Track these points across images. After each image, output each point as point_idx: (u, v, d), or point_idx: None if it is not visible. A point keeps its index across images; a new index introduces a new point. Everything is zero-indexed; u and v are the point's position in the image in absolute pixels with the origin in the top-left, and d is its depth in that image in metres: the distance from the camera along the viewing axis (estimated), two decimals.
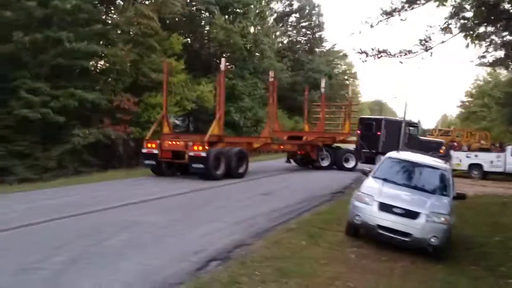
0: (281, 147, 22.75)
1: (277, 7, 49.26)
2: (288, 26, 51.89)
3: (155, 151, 16.40)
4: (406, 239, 8.32)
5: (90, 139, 20.65)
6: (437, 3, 9.84)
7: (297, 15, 51.17)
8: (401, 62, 13.71)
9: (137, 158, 21.78)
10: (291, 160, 24.08)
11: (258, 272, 6.42)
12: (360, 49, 14.45)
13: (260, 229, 8.97)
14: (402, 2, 12.91)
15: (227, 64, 23.21)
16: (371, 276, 7.04)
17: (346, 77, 67.94)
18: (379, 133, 24.46)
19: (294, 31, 52.03)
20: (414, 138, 25.28)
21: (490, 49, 23.64)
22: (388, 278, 7.05)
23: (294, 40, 51.85)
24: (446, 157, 23.78)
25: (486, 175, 24.78)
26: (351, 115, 25.60)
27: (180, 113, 28.40)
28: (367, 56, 14.62)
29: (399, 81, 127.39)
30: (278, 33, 49.14)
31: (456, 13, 12.67)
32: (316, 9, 51.67)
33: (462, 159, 25.03)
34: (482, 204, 14.93)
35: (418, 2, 12.78)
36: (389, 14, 13.51)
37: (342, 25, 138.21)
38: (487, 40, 14.03)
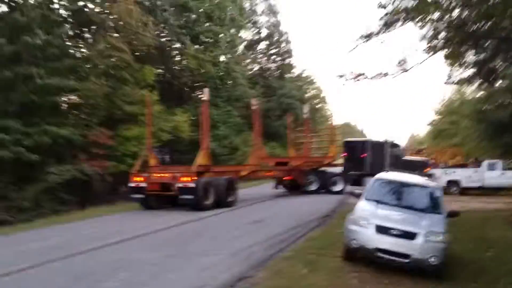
0: (269, 173, 22.76)
1: (246, 35, 49.77)
2: (258, 53, 52.35)
3: (143, 184, 16.13)
4: (406, 260, 8.21)
5: (66, 176, 20.09)
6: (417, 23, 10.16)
7: (267, 42, 51.68)
8: (378, 85, 14.08)
9: (115, 193, 21.28)
10: (279, 186, 24.01)
11: None
12: (340, 74, 14.72)
13: (258, 259, 8.71)
14: (379, 25, 13.26)
15: (199, 93, 23.24)
16: None
17: (317, 101, 68.68)
18: (364, 155, 24.73)
19: (264, 58, 52.47)
20: (399, 158, 25.70)
21: (458, 68, 24.34)
22: None
23: (265, 67, 52.26)
24: (430, 176, 24.36)
25: (464, 191, 25.20)
26: (335, 139, 25.90)
27: (156, 145, 28.06)
28: (346, 80, 14.92)
29: (368, 102, 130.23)
30: (248, 60, 49.54)
31: (435, 35, 13.04)
32: (284, 36, 52.38)
33: (440, 176, 25.39)
34: (466, 220, 15.00)
35: (395, 24, 13.14)
36: (367, 37, 13.86)
37: (309, 52, 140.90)
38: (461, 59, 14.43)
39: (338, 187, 22.49)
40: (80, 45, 25.56)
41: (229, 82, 38.78)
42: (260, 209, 16.92)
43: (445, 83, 33.10)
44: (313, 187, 22.82)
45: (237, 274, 7.64)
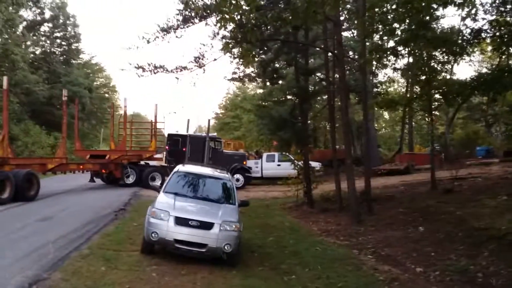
0: (81, 166, 21.59)
1: (27, 14, 44.94)
2: (41, 36, 47.85)
3: None
4: (203, 250, 8.62)
5: None
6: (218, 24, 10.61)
7: (50, 24, 47.50)
8: (177, 78, 14.31)
9: None
10: (95, 179, 23.08)
11: None
12: (137, 64, 14.53)
13: (52, 260, 8.12)
14: (178, 20, 13.47)
15: None
16: None
17: (105, 90, 66.05)
18: (184, 149, 24.81)
19: (48, 41, 48.21)
20: (219, 152, 26.58)
21: (241, 67, 26.19)
22: None
23: (48, 50, 48.04)
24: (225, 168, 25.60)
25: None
26: (157, 133, 25.48)
27: None
28: (143, 71, 14.80)
29: (159, 93, 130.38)
30: (29, 42, 44.92)
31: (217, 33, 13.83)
32: (71, 19, 48.93)
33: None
34: (252, 208, 16.35)
35: (192, 21, 13.50)
36: (165, 31, 13.93)
37: (100, 38, 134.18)
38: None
39: (157, 181, 22.11)
40: None
41: (6, 64, 34.55)
42: (53, 204, 15.56)
43: (230, 80, 35.29)
44: (130, 180, 22.17)
45: (31, 277, 7.01)
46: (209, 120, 33.91)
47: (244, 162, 27.40)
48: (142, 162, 24.15)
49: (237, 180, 26.55)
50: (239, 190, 25.35)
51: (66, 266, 7.72)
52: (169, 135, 28.10)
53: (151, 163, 24.74)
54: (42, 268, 7.52)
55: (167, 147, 26.45)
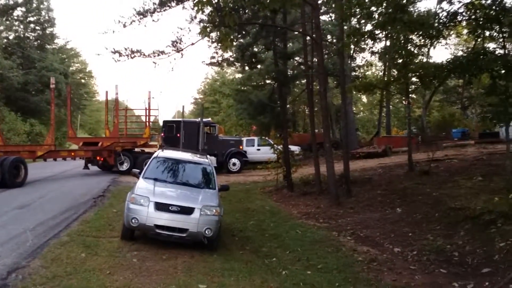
0: (72, 153, 21.51)
1: None
2: (14, 20, 46.56)
3: None
4: (183, 235, 8.65)
5: None
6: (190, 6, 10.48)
7: (23, 9, 46.26)
8: (155, 63, 14.13)
9: None
10: (89, 166, 22.88)
11: None
12: (114, 49, 14.29)
13: (31, 247, 8.03)
14: (154, 3, 13.28)
15: None
16: (158, 277, 7.09)
17: (81, 76, 64.96)
18: (178, 135, 24.69)
19: (21, 26, 46.98)
20: (214, 137, 26.59)
21: (219, 51, 26.04)
22: (175, 276, 7.20)
23: (22, 35, 46.84)
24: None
25: None
26: (150, 120, 25.44)
27: None
28: (120, 55, 14.58)
29: (138, 78, 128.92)
30: (2, 27, 43.72)
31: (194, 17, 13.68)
32: (45, 3, 47.75)
33: None
34: (232, 193, 16.41)
35: (169, 4, 13.31)
36: (141, 14, 13.73)
37: (75, 23, 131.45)
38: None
39: None
40: None
41: None
42: (34, 190, 15.36)
43: (208, 64, 35.08)
44: (124, 167, 22.03)
45: (9, 265, 6.92)
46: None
47: (240, 147, 27.44)
48: (137, 149, 24.03)
49: (234, 164, 26.67)
50: (236, 174, 25.58)
51: (46, 254, 7.64)
52: (164, 121, 28.07)
53: (148, 150, 24.61)
54: (21, 255, 7.44)
55: (162, 134, 26.37)
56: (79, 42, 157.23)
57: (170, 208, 8.63)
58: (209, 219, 8.74)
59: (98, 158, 22.21)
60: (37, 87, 42.55)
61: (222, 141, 27.30)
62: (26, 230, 9.23)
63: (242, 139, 28.83)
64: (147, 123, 25.10)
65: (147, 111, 24.76)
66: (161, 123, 29.65)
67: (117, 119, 24.25)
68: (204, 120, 26.56)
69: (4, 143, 18.43)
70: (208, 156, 12.16)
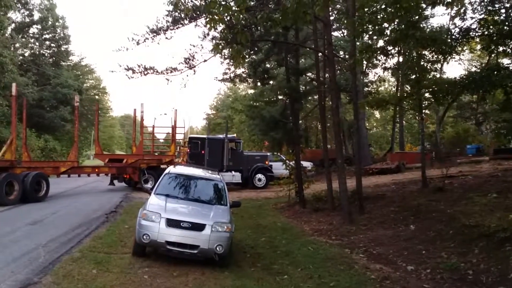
0: (96, 170, 21.84)
1: (16, 16, 44.54)
2: (30, 38, 47.44)
3: None
4: (195, 251, 8.61)
5: None
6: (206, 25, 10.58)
7: (39, 26, 47.08)
8: (168, 79, 14.26)
9: None
10: (114, 182, 23.00)
11: None
12: (127, 66, 14.47)
13: (43, 263, 8.06)
14: (167, 21, 13.46)
15: None
16: None
17: (95, 92, 65.71)
18: (203, 151, 24.83)
19: (37, 43, 47.80)
20: (239, 153, 26.65)
21: (239, 68, 26.24)
22: None
23: (37, 52, 47.63)
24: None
25: None
26: (176, 138, 25.58)
27: None
28: (133, 72, 14.75)
29: (149, 94, 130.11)
30: (18, 45, 44.53)
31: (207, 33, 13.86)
32: (60, 21, 48.52)
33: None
34: (244, 209, 16.36)
35: (181, 22, 13.47)
36: (155, 32, 13.90)
37: (90, 40, 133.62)
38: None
39: None
40: None
41: None
42: (46, 206, 15.46)
43: (220, 80, 35.33)
44: (150, 185, 22.23)
45: (22, 281, 6.94)
46: (227, 121, 33.43)
47: (266, 162, 27.39)
48: (163, 166, 24.20)
49: (259, 180, 26.58)
50: (263, 189, 25.51)
51: (57, 270, 7.66)
52: (189, 137, 28.31)
53: None
54: (33, 272, 7.46)
55: (188, 151, 26.50)
56: (93, 59, 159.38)
57: (181, 224, 8.61)
58: (220, 235, 8.70)
59: (124, 175, 22.43)
60: (52, 103, 43.04)
61: (247, 156, 27.31)
62: (38, 246, 9.28)
63: (268, 154, 28.77)
64: (172, 140, 25.22)
65: (173, 129, 24.90)
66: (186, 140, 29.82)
67: (142, 137, 24.48)
68: (229, 136, 26.66)
69: (30, 159, 18.93)
70: (218, 171, 12.16)
